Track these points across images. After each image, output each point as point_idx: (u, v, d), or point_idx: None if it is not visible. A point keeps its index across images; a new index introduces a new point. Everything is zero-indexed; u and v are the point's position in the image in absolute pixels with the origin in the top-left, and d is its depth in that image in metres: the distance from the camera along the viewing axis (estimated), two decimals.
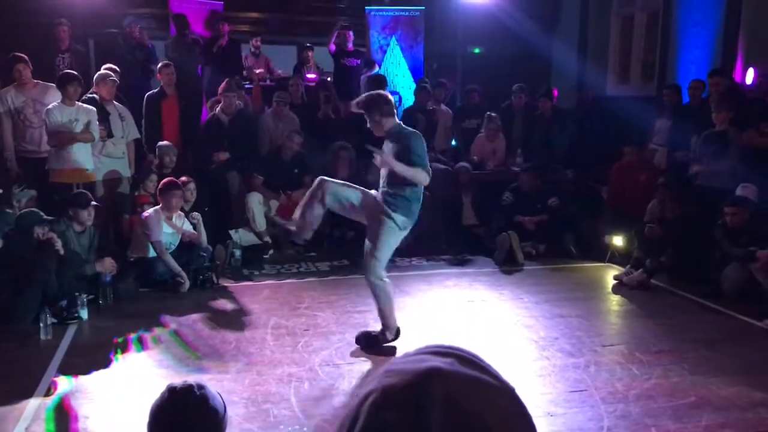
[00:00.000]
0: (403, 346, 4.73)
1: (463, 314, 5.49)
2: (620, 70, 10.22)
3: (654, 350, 4.67)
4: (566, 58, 10.57)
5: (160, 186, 6.15)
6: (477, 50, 11.16)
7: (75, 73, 6.40)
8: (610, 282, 6.38)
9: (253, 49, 9.86)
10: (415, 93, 9.05)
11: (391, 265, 6.83)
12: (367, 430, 0.69)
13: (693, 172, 6.77)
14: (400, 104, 9.65)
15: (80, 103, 6.34)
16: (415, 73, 10.24)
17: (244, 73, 9.03)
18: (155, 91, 7.72)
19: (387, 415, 0.68)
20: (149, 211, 6.00)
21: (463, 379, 0.70)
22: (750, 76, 7.66)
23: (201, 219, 6.16)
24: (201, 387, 1.99)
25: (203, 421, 1.94)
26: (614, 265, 6.82)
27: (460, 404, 0.67)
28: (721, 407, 3.83)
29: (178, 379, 3.54)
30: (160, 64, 7.74)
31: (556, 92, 9.61)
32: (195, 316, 5.26)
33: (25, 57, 6.69)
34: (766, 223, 5.81)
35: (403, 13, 10.27)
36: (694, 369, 4.36)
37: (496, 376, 0.74)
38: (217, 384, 4.02)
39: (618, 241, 6.89)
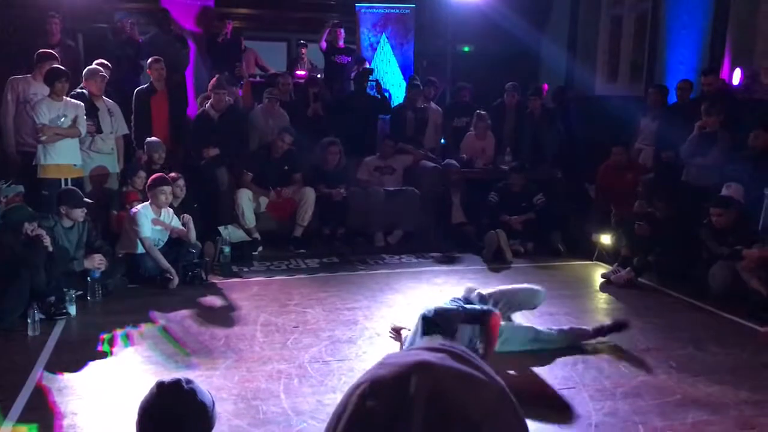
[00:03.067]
0: (394, 344, 4.74)
1: None
2: (609, 69, 10.27)
3: (641, 348, 4.70)
4: (555, 57, 10.61)
5: (148, 182, 6.13)
6: (466, 49, 11.18)
7: (63, 68, 6.37)
8: (598, 280, 6.42)
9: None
10: (407, 90, 9.07)
11: (381, 263, 6.92)
12: (353, 418, 0.70)
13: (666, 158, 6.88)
14: (390, 101, 9.66)
15: (68, 98, 6.31)
16: (405, 70, 10.25)
17: (235, 71, 9.01)
18: (145, 86, 7.69)
19: (372, 404, 0.70)
20: (137, 207, 5.98)
21: (451, 374, 0.71)
22: (737, 77, 7.72)
23: (191, 219, 6.15)
24: (189, 382, 1.99)
25: (192, 416, 1.94)
26: (602, 264, 6.86)
27: (446, 397, 0.68)
28: (707, 405, 3.86)
29: (167, 376, 3.54)
30: (149, 60, 7.70)
31: (546, 87, 9.62)
32: (184, 313, 5.25)
33: (56, 54, 6.77)
34: (752, 223, 5.87)
35: (394, 11, 10.27)
36: (681, 367, 4.39)
37: (486, 373, 0.75)
38: (206, 380, 4.03)
39: (605, 239, 6.93)
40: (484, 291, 4.56)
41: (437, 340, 0.75)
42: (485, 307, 4.04)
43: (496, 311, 4.04)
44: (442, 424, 0.68)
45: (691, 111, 7.05)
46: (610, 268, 6.52)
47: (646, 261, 6.27)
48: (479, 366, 0.75)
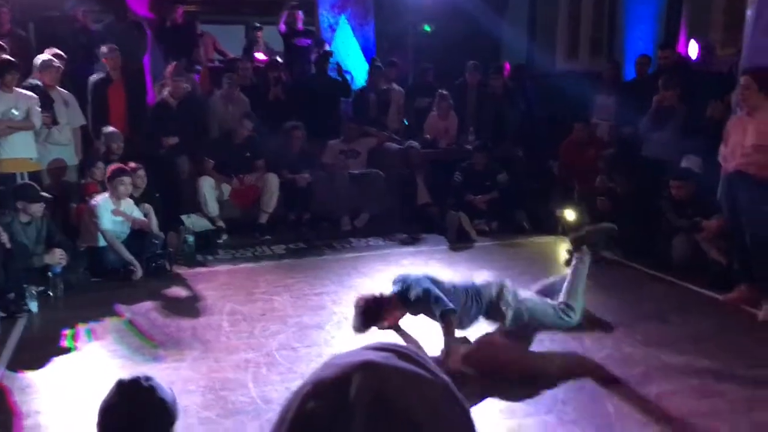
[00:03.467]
0: None
1: None
2: (569, 46, 10.31)
3: (606, 322, 4.77)
4: (516, 35, 10.61)
5: (107, 173, 6.03)
6: (427, 28, 11.12)
7: (11, 59, 6.19)
8: (563, 255, 6.48)
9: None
10: (369, 73, 9.01)
11: (348, 247, 6.91)
12: (296, 420, 0.70)
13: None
14: (352, 83, 9.59)
15: (19, 90, 6.15)
16: (367, 52, 10.16)
17: (192, 56, 8.85)
18: (100, 76, 7.52)
19: (314, 405, 0.69)
20: (97, 199, 5.88)
21: (396, 373, 0.70)
22: (693, 50, 7.81)
23: (152, 209, 6.07)
24: (148, 379, 1.96)
25: (153, 413, 1.92)
26: (566, 239, 6.92)
27: (389, 397, 0.67)
28: (670, 376, 3.94)
29: (134, 370, 3.50)
30: (104, 49, 7.52)
31: (507, 66, 9.63)
32: (149, 305, 5.19)
33: (4, 45, 6.57)
34: (710, 194, 5.96)
35: None
36: (645, 339, 4.47)
37: (431, 371, 0.74)
38: (174, 372, 3.99)
39: (569, 215, 7.00)
40: (522, 295, 4.35)
41: (382, 341, 0.74)
42: (448, 307, 4.04)
43: (456, 314, 4.05)
44: (384, 424, 0.67)
45: (649, 86, 7.11)
46: None
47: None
48: (424, 364, 0.74)
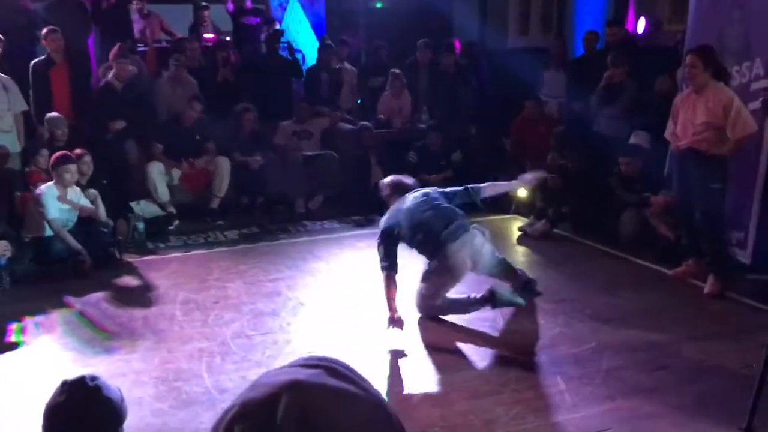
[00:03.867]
0: (319, 312, 4.73)
1: (375, 275, 5.50)
2: (520, 23, 10.34)
3: (558, 299, 4.85)
4: (467, 12, 10.59)
5: (51, 161, 5.84)
6: (379, 5, 11.03)
7: None
8: (516, 233, 6.56)
9: (139, 11, 9.34)
10: (319, 51, 8.90)
11: (303, 230, 6.86)
12: None
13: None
14: (303, 63, 9.48)
15: None
16: (318, 30, 10.03)
17: (137, 35, 8.61)
18: (42, 59, 7.25)
19: (241, 427, 0.68)
20: (42, 188, 5.71)
21: (324, 391, 0.70)
22: (641, 26, 7.92)
23: (98, 194, 5.92)
24: (94, 378, 1.92)
25: (98, 413, 1.88)
26: (519, 217, 7.00)
27: (316, 416, 0.67)
28: (620, 350, 4.03)
29: (85, 363, 3.44)
30: (45, 30, 7.26)
31: (458, 44, 9.61)
32: (99, 295, 5.08)
33: None
34: (658, 170, 6.08)
35: None
36: (595, 315, 4.56)
37: (363, 387, 0.73)
38: (126, 365, 3.94)
39: (521, 192, 7.05)
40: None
41: (314, 357, 0.73)
42: (388, 266, 4.29)
43: (394, 277, 4.28)
44: None
45: (597, 62, 7.18)
46: (527, 220, 6.67)
47: (560, 212, 6.45)
48: (355, 380, 0.74)
